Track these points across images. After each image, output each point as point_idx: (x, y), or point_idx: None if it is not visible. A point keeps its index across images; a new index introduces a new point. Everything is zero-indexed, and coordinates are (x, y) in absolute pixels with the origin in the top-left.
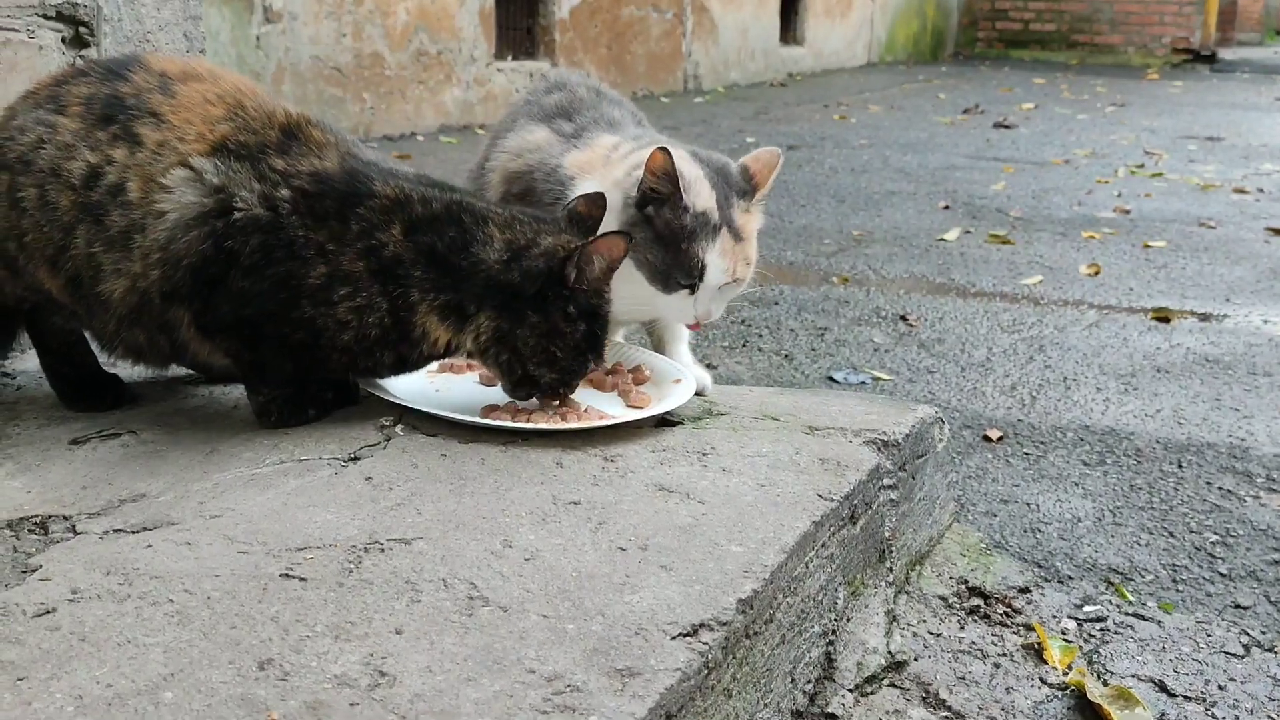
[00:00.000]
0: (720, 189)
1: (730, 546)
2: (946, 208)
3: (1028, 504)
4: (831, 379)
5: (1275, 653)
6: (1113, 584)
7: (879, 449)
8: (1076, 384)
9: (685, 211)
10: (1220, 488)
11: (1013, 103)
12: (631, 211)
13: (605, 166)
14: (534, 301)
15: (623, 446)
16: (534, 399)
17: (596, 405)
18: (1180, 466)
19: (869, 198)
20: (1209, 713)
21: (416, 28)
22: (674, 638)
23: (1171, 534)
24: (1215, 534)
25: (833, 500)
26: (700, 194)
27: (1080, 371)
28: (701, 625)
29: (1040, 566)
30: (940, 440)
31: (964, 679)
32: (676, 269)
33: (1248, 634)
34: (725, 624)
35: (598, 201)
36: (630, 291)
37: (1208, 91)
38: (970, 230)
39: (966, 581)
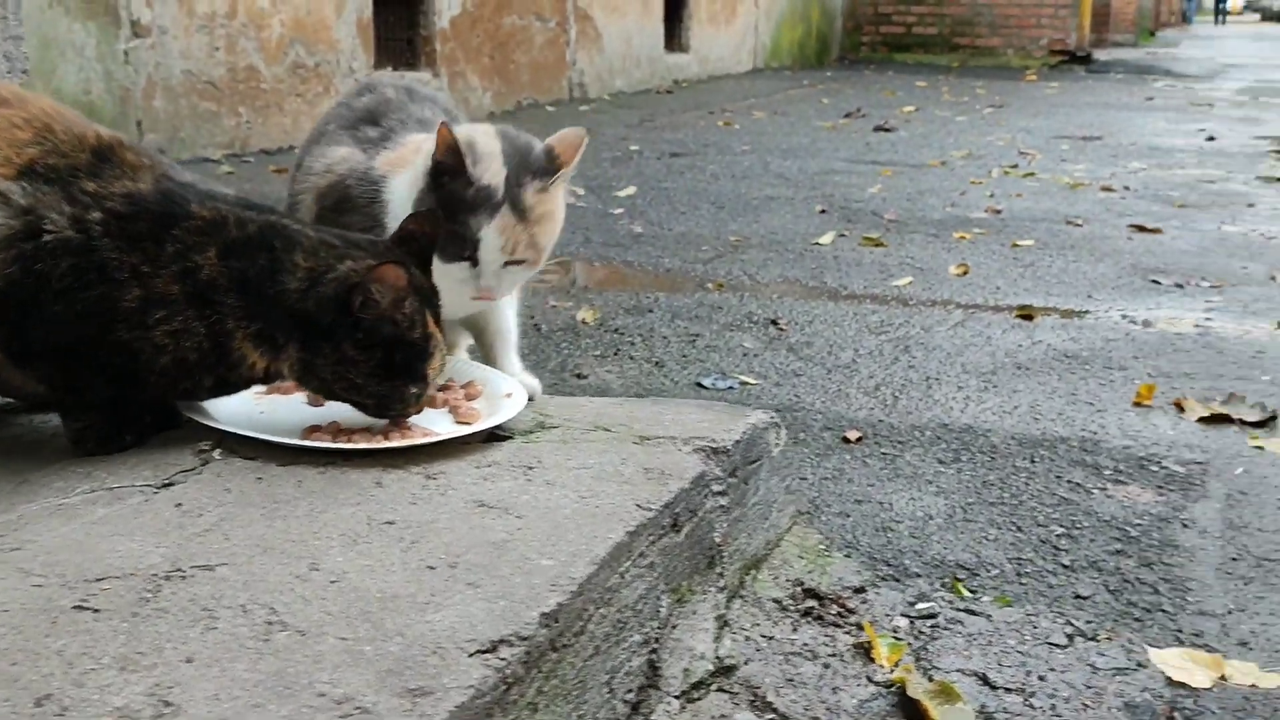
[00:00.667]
0: (514, 167)
1: (540, 560)
2: (823, 212)
3: (881, 503)
4: (700, 385)
5: (1098, 641)
6: (949, 581)
7: (708, 456)
8: (938, 383)
9: (470, 185)
10: (1070, 481)
11: (895, 106)
12: (427, 182)
13: (417, 156)
14: (329, 331)
15: (446, 463)
16: (373, 418)
17: (426, 422)
18: (1033, 461)
19: (748, 203)
20: (1027, 703)
21: (292, 40)
22: (471, 655)
23: (1019, 528)
24: (1061, 526)
25: (651, 509)
26: (488, 169)
27: (943, 370)
28: (501, 641)
29: (889, 565)
30: (776, 445)
31: (792, 681)
32: (452, 240)
33: (1072, 624)
34: (526, 639)
35: (429, 219)
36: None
37: (1082, 92)
38: (845, 233)
39: (803, 583)
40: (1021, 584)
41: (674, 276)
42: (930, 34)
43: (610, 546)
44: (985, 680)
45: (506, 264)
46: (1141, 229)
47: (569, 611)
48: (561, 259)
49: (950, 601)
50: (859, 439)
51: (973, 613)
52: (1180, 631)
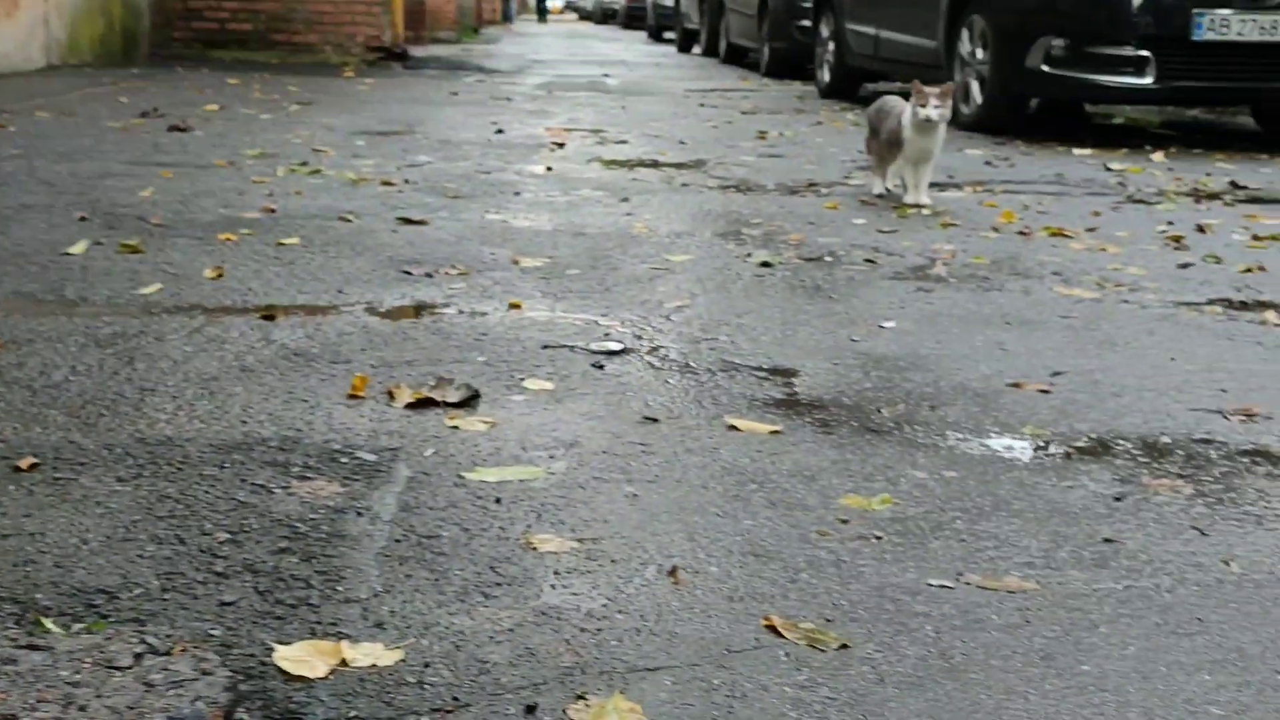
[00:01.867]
0: None
1: None
2: (84, 219)
3: (33, 535)
4: None
5: (171, 655)
6: (31, 613)
7: None
8: (153, 395)
9: None
10: (254, 483)
11: (199, 104)
12: None
13: None
14: None
15: None
16: None
17: None
18: (222, 468)
19: None
20: None
21: None
22: None
23: (183, 541)
24: (229, 532)
25: None
26: None
27: (162, 381)
28: None
29: (14, 603)
30: None
31: None
32: None
33: (146, 641)
34: None
35: None
36: None
37: (395, 88)
38: (102, 241)
39: None
40: (165, 599)
41: None
42: (246, 30)
43: None
44: None
45: None
46: (409, 221)
47: None
48: None
49: (15, 639)
50: (33, 466)
51: (36, 648)
52: (319, 623)
